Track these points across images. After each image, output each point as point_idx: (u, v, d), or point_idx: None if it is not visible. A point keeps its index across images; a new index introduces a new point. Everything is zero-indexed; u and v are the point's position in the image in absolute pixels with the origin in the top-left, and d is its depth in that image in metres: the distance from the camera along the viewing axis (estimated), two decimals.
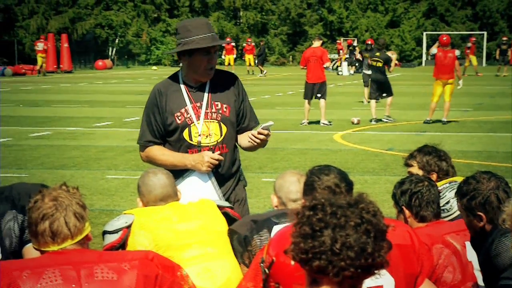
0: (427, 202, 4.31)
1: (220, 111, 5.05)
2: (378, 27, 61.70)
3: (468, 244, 4.00)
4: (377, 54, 21.00)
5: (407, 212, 4.34)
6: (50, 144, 15.83)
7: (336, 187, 3.77)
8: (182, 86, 5.07)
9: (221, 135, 5.05)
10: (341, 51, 48.80)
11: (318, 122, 19.50)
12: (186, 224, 4.31)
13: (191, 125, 5.00)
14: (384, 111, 20.47)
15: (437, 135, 16.40)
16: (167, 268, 3.30)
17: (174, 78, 5.14)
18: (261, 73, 45.79)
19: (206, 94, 5.05)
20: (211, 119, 5.04)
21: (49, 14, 56.81)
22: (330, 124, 19.34)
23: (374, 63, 20.86)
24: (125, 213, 4.41)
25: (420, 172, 4.98)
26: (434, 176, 4.96)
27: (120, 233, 4.24)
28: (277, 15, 63.82)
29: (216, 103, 5.05)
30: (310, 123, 19.39)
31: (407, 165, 5.26)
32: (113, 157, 13.52)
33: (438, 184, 4.72)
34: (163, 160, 5.02)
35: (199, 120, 5.02)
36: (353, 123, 19.62)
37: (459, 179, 4.52)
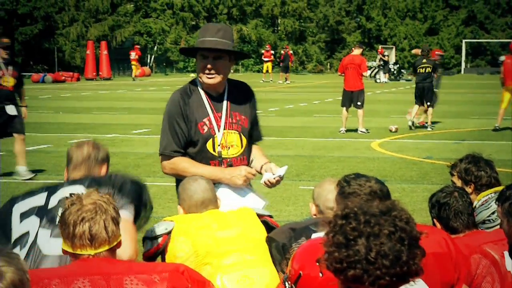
0: (456, 213, 4.31)
1: (240, 122, 4.97)
2: (417, 35, 61.39)
3: (506, 254, 3.97)
4: (424, 60, 20.81)
5: (437, 224, 4.34)
6: None
7: (380, 191, 3.75)
8: (203, 94, 4.95)
9: (241, 147, 4.98)
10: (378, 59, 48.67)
11: (355, 130, 19.42)
12: (226, 232, 4.31)
13: (214, 136, 4.88)
14: (425, 118, 20.35)
15: (475, 144, 16.26)
16: (198, 282, 3.25)
17: (194, 84, 5.00)
18: (285, 81, 45.59)
19: (225, 104, 4.95)
20: (231, 129, 4.94)
21: (89, 22, 57.28)
22: (368, 132, 19.27)
23: (422, 70, 20.65)
24: (165, 220, 4.42)
25: (460, 182, 4.96)
26: (471, 187, 4.92)
27: (160, 239, 4.25)
28: (315, 22, 63.78)
29: (235, 113, 4.96)
30: (347, 131, 19.33)
31: (451, 174, 5.24)
32: (152, 164, 13.58)
33: (483, 194, 4.68)
34: (193, 172, 4.73)
35: (219, 130, 4.91)
36: (391, 131, 19.52)
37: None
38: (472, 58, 62.92)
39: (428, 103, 20.26)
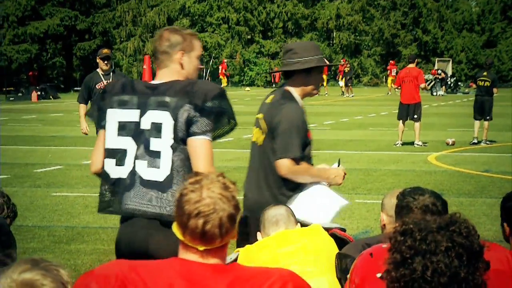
0: None
1: None
2: (474, 47, 60.80)
3: None
4: (485, 73, 20.56)
5: (507, 229, 4.21)
6: None
7: (433, 205, 3.71)
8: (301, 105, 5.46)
9: None
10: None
11: (412, 143, 19.29)
12: (286, 248, 4.31)
13: (311, 141, 5.42)
14: (484, 134, 20.10)
15: None
16: None
17: (291, 96, 5.44)
18: (350, 93, 45.86)
19: None
20: None
21: (146, 36, 57.87)
22: (425, 145, 19.13)
23: (481, 83, 20.42)
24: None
25: None
26: None
27: None
28: (370, 35, 63.58)
29: None
30: (404, 144, 19.20)
31: None
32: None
33: None
34: (310, 173, 5.29)
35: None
36: (447, 144, 19.35)
37: None
38: None
39: (488, 117, 20.03)
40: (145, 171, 4.26)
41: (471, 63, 59.62)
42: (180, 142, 4.21)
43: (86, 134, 12.45)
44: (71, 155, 17.71)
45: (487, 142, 19.84)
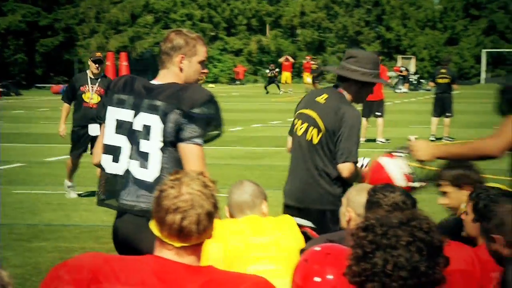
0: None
1: None
2: (437, 45, 61.31)
3: None
4: (443, 71, 20.69)
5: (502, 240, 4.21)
6: None
7: (403, 203, 3.73)
8: None
9: None
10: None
11: (374, 140, 19.38)
12: (259, 238, 4.29)
13: None
14: (443, 131, 20.25)
15: None
16: None
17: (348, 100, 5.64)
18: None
19: None
20: None
21: (109, 33, 57.59)
22: (388, 142, 19.22)
23: (441, 80, 20.55)
24: None
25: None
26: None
27: None
28: (334, 33, 63.81)
29: None
30: (367, 141, 19.28)
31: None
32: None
33: None
34: (361, 175, 5.59)
35: None
36: (410, 141, 19.39)
37: None
38: (492, 68, 62.69)
39: (448, 114, 20.18)
40: (137, 171, 4.46)
41: (433, 60, 59.99)
42: (169, 144, 4.38)
43: (62, 137, 12.22)
44: (33, 153, 17.57)
45: (448, 139, 19.98)
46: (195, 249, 3.01)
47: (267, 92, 43.97)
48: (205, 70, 4.78)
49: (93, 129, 11.43)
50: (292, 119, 5.91)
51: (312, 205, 5.52)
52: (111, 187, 4.62)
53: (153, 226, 3.00)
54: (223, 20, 64.02)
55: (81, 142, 11.87)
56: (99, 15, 57.83)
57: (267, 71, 46.13)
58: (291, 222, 4.42)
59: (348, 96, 5.57)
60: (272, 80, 44.74)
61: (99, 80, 11.74)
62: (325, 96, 5.65)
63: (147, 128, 4.45)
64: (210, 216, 2.98)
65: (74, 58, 56.04)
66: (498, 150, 4.46)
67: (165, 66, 4.64)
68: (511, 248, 3.76)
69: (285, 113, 27.41)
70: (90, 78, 11.78)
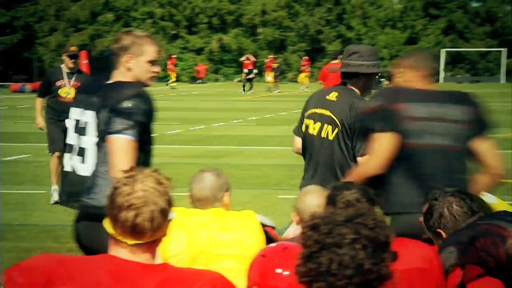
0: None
1: None
2: (397, 44, 61.70)
3: None
4: (401, 70, 20.79)
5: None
6: None
7: (356, 201, 3.74)
8: None
9: None
10: None
11: None
12: (224, 234, 4.27)
13: None
14: None
15: None
16: None
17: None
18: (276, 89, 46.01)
19: None
20: None
21: (69, 31, 57.18)
22: None
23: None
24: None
25: None
26: None
27: None
28: (295, 31, 63.93)
29: None
30: None
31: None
32: None
33: None
34: None
35: None
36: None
37: None
38: (452, 67, 63.26)
39: None
40: (78, 166, 4.62)
41: (394, 60, 60.39)
42: (102, 140, 4.51)
43: (42, 129, 12.09)
44: None
45: None
46: (150, 246, 2.99)
47: (247, 90, 44.43)
48: (157, 69, 4.81)
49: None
50: (300, 120, 6.02)
51: None
52: (66, 186, 4.79)
53: (106, 223, 2.98)
54: (184, 18, 63.87)
55: (58, 136, 11.65)
56: (58, 13, 57.39)
57: (246, 70, 46.17)
58: (255, 220, 4.41)
59: (357, 91, 5.68)
60: (250, 79, 45.03)
61: (75, 74, 11.53)
62: (335, 94, 5.76)
63: (86, 124, 4.61)
64: (164, 213, 2.96)
65: (34, 56, 55.54)
66: (376, 168, 4.66)
67: (116, 66, 4.74)
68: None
69: (246, 112, 27.45)
70: (67, 72, 11.52)
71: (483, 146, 4.71)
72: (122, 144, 4.43)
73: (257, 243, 4.31)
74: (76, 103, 4.78)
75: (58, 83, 11.43)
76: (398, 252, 3.36)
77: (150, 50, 4.74)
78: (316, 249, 2.42)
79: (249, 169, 14.38)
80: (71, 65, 11.47)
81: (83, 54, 49.37)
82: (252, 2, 64.43)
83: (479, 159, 4.69)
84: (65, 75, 11.50)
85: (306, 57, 52.79)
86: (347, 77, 5.75)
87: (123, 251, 2.96)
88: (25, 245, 8.92)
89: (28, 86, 46.07)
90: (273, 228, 4.54)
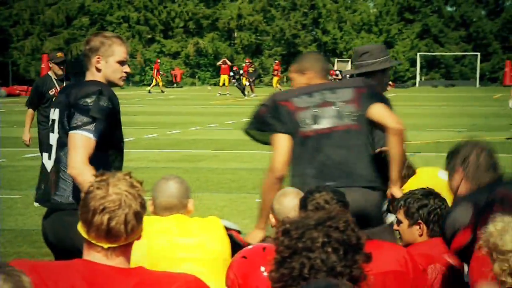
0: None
1: None
2: None
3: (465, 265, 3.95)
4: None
5: (424, 226, 4.28)
6: None
7: (326, 203, 3.74)
8: None
9: None
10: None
11: None
12: (185, 239, 4.25)
13: None
14: None
15: (429, 156, 16.40)
16: None
17: None
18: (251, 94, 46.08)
19: None
20: None
21: (44, 35, 56.89)
22: None
23: None
24: None
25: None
26: None
27: None
28: (271, 36, 63.96)
29: None
30: None
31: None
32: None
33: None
34: None
35: None
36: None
37: None
38: (427, 71, 63.56)
39: None
40: (47, 163, 4.70)
41: None
42: (65, 136, 4.59)
43: (28, 145, 11.91)
44: None
45: None
46: (124, 250, 3.00)
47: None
48: (127, 69, 4.82)
49: None
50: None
51: None
52: (39, 183, 4.88)
53: (80, 228, 2.97)
54: (160, 22, 63.74)
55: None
56: (33, 17, 57.08)
57: (236, 76, 46.33)
58: (218, 224, 4.39)
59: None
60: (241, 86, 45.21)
61: (64, 81, 11.33)
62: None
63: (53, 122, 4.71)
64: (138, 216, 2.96)
65: (8, 60, 55.21)
66: (279, 167, 4.90)
67: (86, 67, 4.80)
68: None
69: (222, 116, 27.42)
70: (56, 80, 11.36)
71: (376, 111, 4.96)
72: (78, 141, 4.47)
73: (220, 246, 4.29)
74: (53, 104, 4.88)
75: (51, 92, 11.27)
76: (373, 255, 3.38)
77: (119, 51, 4.75)
78: (288, 254, 2.43)
79: (225, 173, 14.39)
80: (59, 72, 11.29)
81: (44, 57, 49.23)
82: (228, 6, 64.41)
83: (379, 124, 4.96)
84: (55, 83, 11.35)
85: (277, 61, 52.81)
86: (364, 76, 5.74)
87: (97, 255, 2.96)
88: (0, 250, 8.86)
89: (3, 91, 45.81)
90: (239, 232, 4.53)
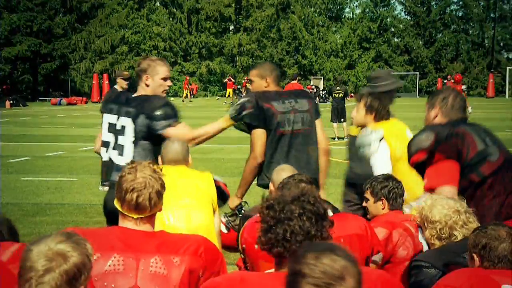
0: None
1: None
2: (339, 69, 61.91)
3: (420, 229, 3.89)
4: (338, 88, 20.91)
5: (385, 201, 4.24)
6: (95, 156, 15.74)
7: (300, 182, 3.72)
8: None
9: None
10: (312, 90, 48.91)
11: None
12: (184, 180, 4.31)
13: None
14: (344, 132, 20.45)
15: None
16: (214, 261, 2.97)
17: None
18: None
19: None
20: None
21: (95, 59, 56.71)
22: None
23: (337, 95, 20.72)
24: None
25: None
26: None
27: None
28: (263, 59, 63.88)
29: None
30: None
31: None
32: None
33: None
34: None
35: None
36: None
37: None
38: None
39: (342, 119, 20.32)
40: (116, 158, 4.65)
41: (336, 80, 60.54)
42: (140, 139, 4.57)
43: (98, 153, 11.76)
44: (36, 149, 17.24)
45: (348, 138, 20.07)
46: (149, 219, 3.00)
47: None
48: (169, 83, 4.84)
49: None
50: None
51: None
52: (107, 171, 4.86)
53: (116, 203, 2.99)
54: (180, 49, 63.60)
55: None
56: (86, 46, 56.89)
57: (236, 90, 46.24)
58: (209, 176, 4.45)
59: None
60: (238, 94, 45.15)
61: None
62: None
63: (123, 127, 4.62)
64: (159, 194, 2.98)
65: (68, 78, 55.24)
66: (260, 156, 4.93)
67: (139, 84, 4.77)
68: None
69: None
70: (120, 92, 11.04)
71: (318, 126, 5.12)
72: (174, 129, 4.58)
73: (208, 187, 4.35)
74: (108, 110, 4.76)
75: None
76: (341, 222, 3.38)
77: (162, 70, 4.75)
78: (273, 223, 2.43)
79: (230, 162, 14.38)
80: (125, 87, 10.74)
81: (105, 76, 49.10)
82: (231, 38, 64.30)
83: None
84: None
85: (246, 77, 52.40)
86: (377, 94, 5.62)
87: (129, 223, 2.97)
88: (62, 219, 8.87)
89: (64, 101, 45.74)
90: (225, 185, 4.58)
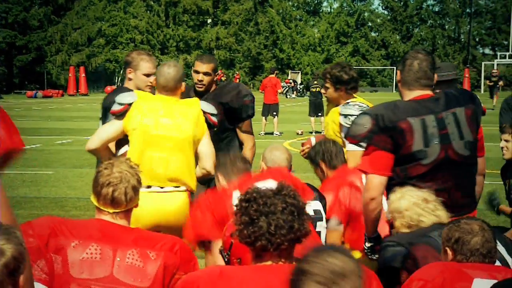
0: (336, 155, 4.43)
1: None
2: (316, 63, 62.02)
3: (363, 177, 3.81)
4: (315, 82, 20.93)
5: (323, 164, 4.46)
6: (71, 149, 15.66)
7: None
8: None
9: None
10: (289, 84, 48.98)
11: (272, 133, 19.51)
12: (168, 119, 4.27)
13: None
14: (321, 126, 20.49)
15: None
16: (186, 261, 2.95)
17: None
18: None
19: None
20: None
21: (71, 51, 56.23)
22: (281, 134, 19.35)
23: (314, 89, 20.75)
24: (134, 91, 4.41)
25: None
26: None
27: (123, 106, 4.27)
28: (241, 53, 63.84)
29: None
30: (266, 133, 19.39)
31: None
32: None
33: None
34: None
35: None
36: (297, 134, 19.65)
37: None
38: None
39: (320, 114, 20.23)
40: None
41: (314, 74, 60.68)
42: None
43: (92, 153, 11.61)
44: None
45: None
46: (126, 215, 3.00)
47: None
48: (151, 79, 4.78)
49: None
50: None
51: None
52: None
53: (92, 198, 2.99)
54: (158, 43, 63.27)
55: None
56: (63, 38, 56.37)
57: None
58: (197, 108, 4.39)
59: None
60: None
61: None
62: None
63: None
64: (135, 189, 2.97)
65: (44, 70, 54.72)
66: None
67: (125, 76, 4.83)
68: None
69: None
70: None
71: (245, 123, 5.62)
72: None
73: (192, 128, 4.30)
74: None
75: None
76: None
77: (144, 66, 4.71)
78: (256, 216, 2.40)
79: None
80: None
81: (81, 69, 48.70)
82: (209, 31, 64.12)
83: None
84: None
85: (238, 73, 52.20)
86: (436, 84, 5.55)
87: (105, 217, 2.97)
88: (38, 213, 8.78)
89: (40, 93, 45.31)
90: (213, 115, 4.51)
